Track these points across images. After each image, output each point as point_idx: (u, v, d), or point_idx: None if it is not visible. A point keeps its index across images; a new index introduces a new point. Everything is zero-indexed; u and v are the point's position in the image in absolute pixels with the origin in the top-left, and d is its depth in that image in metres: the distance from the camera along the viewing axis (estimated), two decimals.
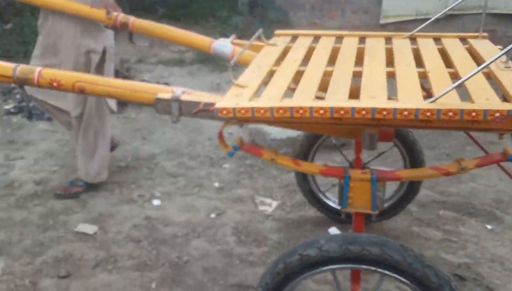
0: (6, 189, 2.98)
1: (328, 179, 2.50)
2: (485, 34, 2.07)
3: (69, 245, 2.47)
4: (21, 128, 3.85)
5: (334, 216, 2.64)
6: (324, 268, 1.44)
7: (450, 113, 1.31)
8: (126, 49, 6.25)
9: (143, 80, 4.99)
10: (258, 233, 2.61)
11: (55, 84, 1.76)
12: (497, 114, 1.29)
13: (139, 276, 2.27)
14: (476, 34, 2.10)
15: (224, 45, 2.22)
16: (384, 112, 1.33)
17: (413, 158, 2.46)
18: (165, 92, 1.63)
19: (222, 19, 7.50)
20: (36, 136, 3.71)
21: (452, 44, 1.99)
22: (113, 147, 3.19)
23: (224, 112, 1.43)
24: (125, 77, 4.96)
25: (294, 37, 2.21)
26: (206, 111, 1.53)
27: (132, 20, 2.50)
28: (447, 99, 1.36)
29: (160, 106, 1.62)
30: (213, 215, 2.79)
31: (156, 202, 2.88)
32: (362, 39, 2.12)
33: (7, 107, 4.19)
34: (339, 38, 2.16)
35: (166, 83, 4.89)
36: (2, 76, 1.81)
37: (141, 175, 3.20)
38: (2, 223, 2.64)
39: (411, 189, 2.52)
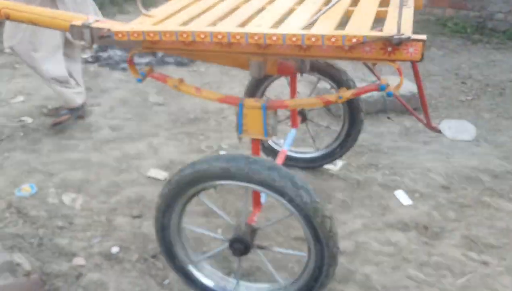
0: (85, 132, 3.15)
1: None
2: None
3: (141, 188, 2.60)
4: (97, 77, 4.02)
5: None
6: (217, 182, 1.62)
7: (313, 39, 1.39)
8: None
9: None
10: (322, 190, 2.61)
11: None
12: (354, 40, 1.37)
13: (206, 221, 2.36)
14: None
15: None
16: (274, 38, 1.42)
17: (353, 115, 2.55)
18: (78, 19, 1.72)
19: None
20: (112, 85, 3.87)
21: None
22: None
23: (120, 35, 1.55)
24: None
25: None
26: (108, 36, 1.61)
27: None
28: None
29: (74, 32, 1.71)
30: None
31: (222, 153, 2.95)
32: None
33: (84, 56, 4.37)
34: None
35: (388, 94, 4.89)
36: None
37: (209, 127, 3.28)
38: (81, 164, 2.81)
39: (348, 136, 2.61)
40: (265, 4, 1.85)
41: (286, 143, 2.41)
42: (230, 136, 3.17)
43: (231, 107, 3.54)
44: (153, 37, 1.52)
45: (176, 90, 1.77)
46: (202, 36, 1.48)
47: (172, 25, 1.60)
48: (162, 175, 2.70)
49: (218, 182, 1.63)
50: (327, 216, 1.57)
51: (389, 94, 1.60)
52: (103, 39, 1.66)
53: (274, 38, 1.42)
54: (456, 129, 2.69)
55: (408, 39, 1.37)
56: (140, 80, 1.77)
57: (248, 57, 1.67)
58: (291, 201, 1.55)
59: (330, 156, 2.72)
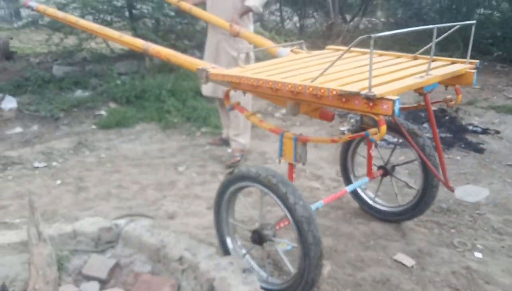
0: (336, 202, 3.36)
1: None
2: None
3: (387, 270, 2.61)
4: None
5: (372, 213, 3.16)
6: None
7: (334, 92, 1.88)
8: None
9: (470, 124, 4.84)
10: None
11: (158, 54, 2.93)
12: (334, 92, 1.86)
13: None
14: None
15: (284, 51, 3.05)
16: (300, 88, 2.00)
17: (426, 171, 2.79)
18: (202, 64, 2.61)
19: None
20: (362, 159, 4.03)
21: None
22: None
23: (213, 76, 2.44)
24: (452, 118, 4.89)
25: (336, 50, 2.91)
26: (207, 77, 2.49)
27: (240, 29, 3.56)
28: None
29: (199, 73, 2.53)
30: None
31: (477, 254, 2.74)
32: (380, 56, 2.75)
33: (342, 128, 4.71)
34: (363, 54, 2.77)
35: (497, 132, 4.60)
36: (138, 47, 3.00)
37: (462, 221, 3.10)
38: (331, 231, 2.99)
39: (426, 195, 2.84)
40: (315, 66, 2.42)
41: (350, 186, 2.89)
42: (486, 237, 2.93)
43: (488, 204, 3.30)
44: (235, 80, 2.28)
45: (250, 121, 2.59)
46: (261, 82, 2.15)
47: (247, 74, 2.27)
48: (409, 261, 2.66)
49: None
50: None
51: (371, 140, 2.04)
52: (207, 79, 2.48)
53: (300, 88, 2.00)
54: (468, 192, 2.73)
55: (373, 97, 1.77)
56: (229, 109, 2.60)
57: (286, 100, 2.23)
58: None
59: (405, 214, 2.99)
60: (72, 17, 3.31)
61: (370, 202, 3.18)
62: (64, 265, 2.47)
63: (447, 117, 4.92)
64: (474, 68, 2.46)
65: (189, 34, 6.89)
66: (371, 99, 1.78)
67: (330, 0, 8.23)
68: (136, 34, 6.46)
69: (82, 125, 4.90)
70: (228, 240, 2.58)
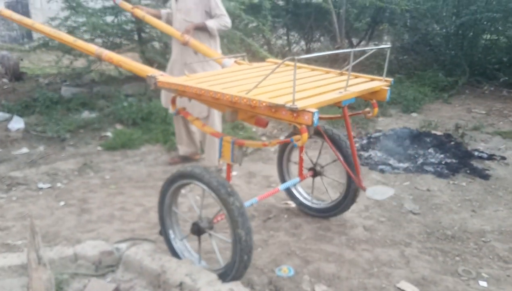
0: (340, 227, 3.33)
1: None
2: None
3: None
4: None
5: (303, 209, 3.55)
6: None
7: (264, 103, 2.20)
8: (463, 115, 6.17)
9: (475, 150, 4.81)
10: None
11: (110, 60, 3.07)
12: (264, 104, 2.20)
13: None
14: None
15: (229, 62, 3.32)
16: (236, 98, 2.27)
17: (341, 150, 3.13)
18: (152, 72, 2.79)
19: None
20: (369, 185, 4.01)
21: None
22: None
23: (160, 83, 2.69)
24: (458, 143, 4.87)
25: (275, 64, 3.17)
26: (155, 83, 2.72)
27: (191, 40, 3.78)
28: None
29: (148, 80, 2.77)
30: None
31: (482, 283, 2.69)
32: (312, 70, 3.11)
33: None
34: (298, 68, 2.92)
35: (503, 158, 4.56)
36: (90, 51, 3.13)
37: (467, 249, 3.06)
38: (334, 257, 2.96)
39: (351, 188, 3.19)
40: (267, 80, 2.48)
41: (282, 185, 3.22)
42: (491, 265, 2.88)
43: (494, 232, 3.26)
44: (181, 88, 2.54)
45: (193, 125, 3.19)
46: (203, 91, 2.40)
47: (191, 83, 2.52)
48: (413, 290, 2.62)
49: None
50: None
51: (294, 145, 2.38)
52: (155, 85, 2.70)
53: (236, 98, 2.27)
54: (377, 191, 3.33)
55: (296, 109, 2.09)
56: (174, 113, 2.84)
57: (225, 108, 2.53)
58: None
59: (336, 208, 3.34)
60: (28, 20, 3.40)
61: (305, 201, 3.52)
62: (63, 289, 2.46)
63: (452, 143, 4.90)
64: (388, 86, 2.75)
65: None
66: (295, 111, 2.11)
67: (336, 25, 8.31)
68: (145, 57, 6.55)
69: (87, 147, 4.93)
70: (170, 231, 2.84)
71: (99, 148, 4.90)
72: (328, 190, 3.58)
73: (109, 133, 5.22)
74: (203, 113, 4.09)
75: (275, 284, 2.69)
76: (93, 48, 3.14)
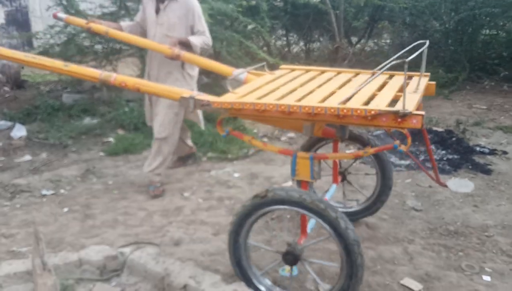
0: None
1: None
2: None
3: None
4: (357, 172, 4.25)
5: None
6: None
7: (358, 111, 2.03)
8: (464, 111, 6.17)
9: (477, 145, 4.81)
10: None
11: (123, 84, 2.76)
12: (372, 112, 2.02)
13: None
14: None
15: (241, 73, 2.97)
16: (319, 109, 2.10)
17: (384, 173, 3.17)
18: (186, 93, 2.48)
19: None
20: (370, 182, 4.02)
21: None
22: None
23: (216, 104, 2.31)
24: (459, 139, 4.87)
25: (291, 70, 3.04)
26: (208, 105, 2.35)
27: (183, 53, 3.42)
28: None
29: (183, 102, 2.47)
30: None
31: (486, 278, 2.70)
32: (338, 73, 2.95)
33: (347, 151, 4.70)
34: (322, 72, 2.97)
35: (505, 152, 4.56)
36: (93, 77, 2.83)
37: (470, 244, 3.06)
38: (337, 256, 2.96)
39: (382, 193, 3.20)
40: (315, 88, 2.54)
41: (327, 194, 3.01)
42: (495, 259, 2.89)
43: (497, 226, 3.26)
44: (238, 106, 2.23)
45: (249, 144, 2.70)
46: (271, 106, 2.18)
47: (250, 99, 2.29)
48: (417, 286, 2.63)
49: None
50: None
51: (400, 151, 2.20)
52: (204, 107, 2.37)
53: (319, 109, 2.10)
54: (459, 184, 3.52)
55: (410, 114, 1.99)
56: (224, 136, 2.48)
57: (301, 122, 2.44)
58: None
59: (367, 210, 3.29)
60: (19, 54, 2.92)
61: (338, 206, 3.34)
62: None
63: (454, 139, 4.90)
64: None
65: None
66: (403, 116, 1.99)
67: (335, 24, 8.31)
68: (144, 62, 6.57)
69: (90, 153, 4.95)
70: (250, 272, 2.51)
71: (101, 154, 4.92)
72: (352, 194, 3.56)
73: (111, 139, 5.24)
74: (162, 133, 3.85)
75: (279, 284, 2.69)
76: (95, 72, 2.81)
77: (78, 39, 6.27)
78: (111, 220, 3.50)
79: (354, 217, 3.28)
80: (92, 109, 6.00)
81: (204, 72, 7.07)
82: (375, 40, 10.28)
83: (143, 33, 3.85)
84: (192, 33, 3.71)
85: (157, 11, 3.66)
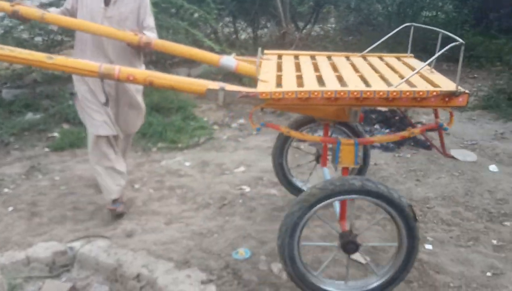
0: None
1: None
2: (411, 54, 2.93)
3: (343, 269, 2.67)
4: (307, 155, 4.35)
5: (293, 192, 3.37)
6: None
7: (408, 93, 2.06)
8: None
9: (419, 122, 5.02)
10: None
11: (131, 78, 2.22)
12: (434, 93, 2.06)
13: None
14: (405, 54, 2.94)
15: (229, 60, 2.80)
16: (368, 93, 2.07)
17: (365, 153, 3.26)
18: (213, 85, 2.15)
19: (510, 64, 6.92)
20: None
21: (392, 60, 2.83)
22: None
23: (264, 95, 2.08)
24: (403, 117, 5.06)
25: (279, 56, 2.94)
26: (247, 96, 2.11)
27: (154, 40, 2.99)
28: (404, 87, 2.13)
29: (209, 94, 2.13)
30: (489, 274, 2.60)
31: (428, 246, 2.85)
32: (328, 57, 2.91)
33: None
34: (312, 56, 2.93)
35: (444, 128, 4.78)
36: (90, 71, 2.23)
37: None
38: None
39: (361, 171, 3.30)
40: (334, 73, 2.46)
41: (326, 177, 3.01)
42: (435, 229, 3.06)
43: (437, 198, 3.44)
44: (278, 96, 2.08)
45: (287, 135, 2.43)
46: (316, 93, 2.07)
47: (291, 87, 2.16)
48: (364, 258, 2.74)
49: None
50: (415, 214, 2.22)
51: (445, 129, 2.36)
52: (241, 99, 2.13)
53: (368, 93, 2.06)
54: (464, 155, 3.96)
55: (463, 93, 2.07)
56: (259, 129, 2.31)
57: (347, 108, 2.40)
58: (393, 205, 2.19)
59: None
60: None
61: (303, 188, 3.37)
62: None
63: (397, 117, 5.09)
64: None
65: None
66: (458, 95, 2.06)
67: (281, 9, 8.37)
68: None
69: (34, 149, 4.79)
70: (306, 270, 2.37)
71: (46, 149, 4.77)
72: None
73: (56, 134, 5.08)
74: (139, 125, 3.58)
75: (233, 267, 2.74)
76: (93, 66, 2.25)
77: (16, 32, 6.00)
78: (59, 216, 3.42)
79: None
80: (34, 104, 5.78)
81: (152, 62, 7.03)
82: (321, 25, 10.43)
83: None
84: (142, 28, 3.33)
85: (107, 3, 3.25)
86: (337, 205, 2.62)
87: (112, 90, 3.28)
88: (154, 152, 4.64)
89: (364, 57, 2.92)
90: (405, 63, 2.74)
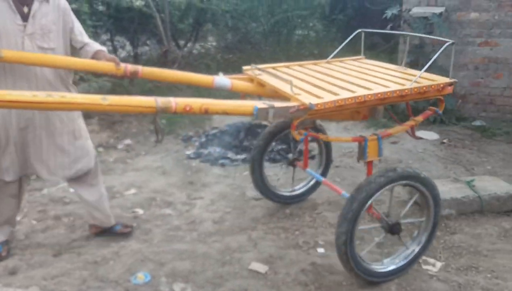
0: (190, 225, 3.42)
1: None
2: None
3: (244, 281, 2.74)
4: (199, 172, 4.38)
5: (281, 201, 3.67)
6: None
7: (415, 89, 2.56)
8: None
9: None
10: None
11: (188, 108, 2.18)
12: (442, 86, 2.65)
13: None
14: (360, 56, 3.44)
15: (223, 79, 2.84)
16: (389, 93, 2.48)
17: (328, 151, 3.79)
18: (262, 104, 2.26)
19: None
20: (212, 180, 4.19)
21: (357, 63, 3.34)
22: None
23: (319, 106, 2.27)
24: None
25: (261, 70, 3.01)
26: (299, 111, 2.30)
27: (141, 68, 2.82)
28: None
29: (260, 114, 2.23)
30: None
31: (320, 250, 3.05)
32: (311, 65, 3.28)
33: (187, 153, 4.80)
34: (298, 66, 3.24)
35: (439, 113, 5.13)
36: (148, 107, 2.13)
37: (304, 222, 3.42)
38: (188, 254, 3.03)
39: (324, 171, 3.78)
40: (340, 79, 2.80)
41: (318, 177, 3.38)
42: (325, 233, 3.27)
43: (324, 204, 3.69)
44: (320, 107, 2.28)
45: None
46: (350, 100, 2.38)
47: (329, 97, 2.39)
48: (263, 268, 2.84)
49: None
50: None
51: (440, 114, 2.82)
52: (294, 113, 2.30)
53: (389, 93, 2.47)
54: (427, 135, 5.06)
55: (454, 82, 2.69)
56: (302, 140, 2.88)
57: (372, 108, 2.80)
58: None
59: (313, 189, 3.75)
60: None
61: (285, 193, 3.68)
62: None
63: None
64: None
65: None
66: (449, 85, 2.66)
67: (161, 27, 8.33)
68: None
69: None
70: (358, 255, 2.64)
71: None
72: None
73: None
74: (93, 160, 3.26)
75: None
76: (150, 101, 2.13)
77: None
78: None
79: (303, 197, 3.72)
80: None
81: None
82: (202, 43, 10.59)
83: None
84: (73, 35, 2.96)
85: (24, 18, 2.76)
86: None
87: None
88: (33, 180, 4.29)
89: (329, 63, 3.31)
90: (373, 64, 3.23)
